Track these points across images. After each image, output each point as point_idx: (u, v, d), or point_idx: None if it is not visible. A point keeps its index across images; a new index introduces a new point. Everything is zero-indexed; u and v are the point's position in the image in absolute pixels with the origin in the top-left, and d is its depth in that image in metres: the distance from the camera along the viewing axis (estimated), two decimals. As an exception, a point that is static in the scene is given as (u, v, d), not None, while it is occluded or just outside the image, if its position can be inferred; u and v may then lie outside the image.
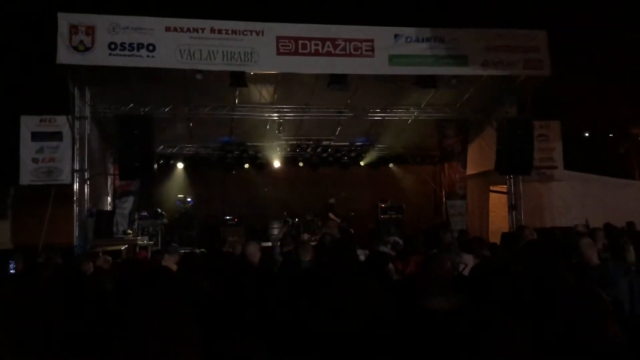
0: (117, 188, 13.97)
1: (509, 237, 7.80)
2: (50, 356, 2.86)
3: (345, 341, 2.95)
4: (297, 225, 14.90)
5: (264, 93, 12.01)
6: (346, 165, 15.62)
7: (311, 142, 14.86)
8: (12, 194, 12.35)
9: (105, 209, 12.87)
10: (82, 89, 10.59)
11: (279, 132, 13.40)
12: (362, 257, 5.12)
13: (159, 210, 13.96)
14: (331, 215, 14.11)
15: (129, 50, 9.65)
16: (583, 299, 2.62)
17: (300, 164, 15.37)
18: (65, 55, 9.48)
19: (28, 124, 10.59)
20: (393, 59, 10.62)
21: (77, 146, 10.48)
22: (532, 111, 12.14)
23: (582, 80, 18.21)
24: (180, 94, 11.50)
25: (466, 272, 5.04)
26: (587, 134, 22.82)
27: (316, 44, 10.39)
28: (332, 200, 14.53)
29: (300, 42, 10.33)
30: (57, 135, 10.58)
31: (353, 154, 15.52)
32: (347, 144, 15.24)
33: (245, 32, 10.13)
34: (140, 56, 9.69)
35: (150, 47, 9.71)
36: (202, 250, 10.08)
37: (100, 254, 7.80)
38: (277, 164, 15.18)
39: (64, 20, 9.55)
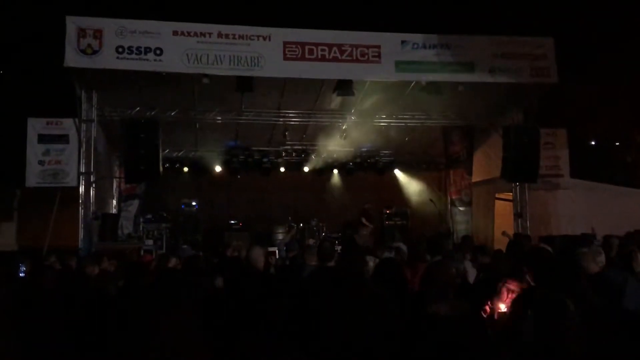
0: (122, 191, 14.03)
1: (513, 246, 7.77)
2: (57, 357, 2.86)
3: (348, 348, 2.93)
4: (302, 230, 14.88)
5: (270, 98, 12.01)
6: (351, 171, 15.58)
7: (315, 147, 14.82)
8: (18, 195, 12.40)
9: (111, 211, 12.89)
10: (89, 92, 10.60)
11: (285, 137, 13.41)
12: (371, 264, 5.08)
13: (164, 213, 13.99)
14: (364, 220, 14.01)
15: (136, 53, 9.68)
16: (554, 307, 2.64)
17: (306, 169, 15.35)
18: (72, 58, 9.51)
19: (35, 126, 10.65)
20: (400, 65, 10.59)
21: (83, 149, 10.48)
22: (539, 119, 12.10)
23: (589, 88, 18.18)
24: (187, 98, 11.51)
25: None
26: (593, 142, 22.72)
27: (323, 50, 10.37)
28: (367, 206, 14.40)
29: (307, 47, 10.31)
30: (63, 138, 10.64)
31: (358, 160, 15.46)
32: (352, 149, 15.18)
33: (252, 37, 10.14)
34: (148, 60, 9.71)
35: (158, 51, 9.73)
36: (205, 254, 10.05)
37: (105, 257, 7.78)
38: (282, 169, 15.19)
39: (72, 23, 9.58)
